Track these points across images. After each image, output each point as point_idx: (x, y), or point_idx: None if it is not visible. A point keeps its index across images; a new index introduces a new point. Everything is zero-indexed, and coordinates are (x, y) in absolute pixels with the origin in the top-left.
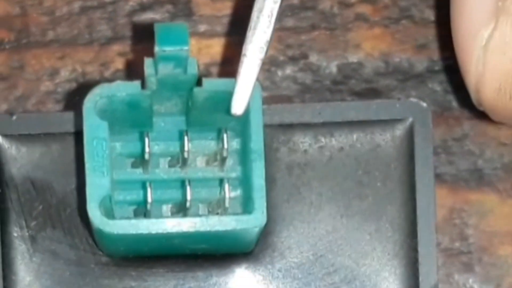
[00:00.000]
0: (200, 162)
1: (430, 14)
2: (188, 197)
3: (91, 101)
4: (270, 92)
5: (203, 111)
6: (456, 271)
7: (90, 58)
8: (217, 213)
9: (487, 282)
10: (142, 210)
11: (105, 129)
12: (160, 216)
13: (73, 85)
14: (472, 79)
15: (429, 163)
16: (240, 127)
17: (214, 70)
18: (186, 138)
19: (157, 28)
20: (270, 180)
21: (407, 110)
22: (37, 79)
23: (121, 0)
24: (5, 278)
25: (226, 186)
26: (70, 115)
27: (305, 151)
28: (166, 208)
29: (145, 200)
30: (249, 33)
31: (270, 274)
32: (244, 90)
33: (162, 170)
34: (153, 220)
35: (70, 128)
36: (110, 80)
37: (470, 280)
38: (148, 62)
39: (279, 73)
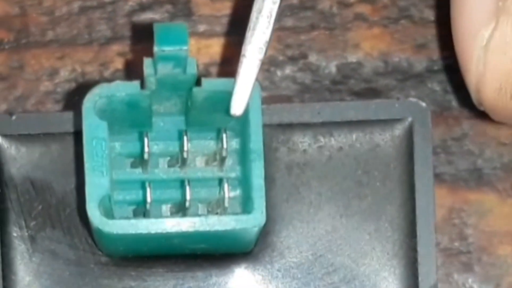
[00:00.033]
0: (200, 162)
1: (429, 14)
2: (188, 197)
3: (91, 101)
4: (270, 92)
5: (203, 111)
6: (456, 271)
7: (89, 58)
8: (217, 213)
9: (487, 282)
10: (141, 210)
11: (104, 129)
12: (159, 216)
13: (73, 85)
14: (473, 79)
15: (428, 163)
16: (239, 127)
17: (214, 70)
18: (185, 138)
19: (156, 28)
20: (269, 180)
21: (407, 110)
22: (37, 79)
23: (121, 0)
24: (4, 278)
25: (226, 186)
26: (69, 115)
27: (305, 151)
28: (166, 208)
29: (144, 200)
30: (248, 34)
31: (269, 274)
32: (243, 90)
33: (162, 170)
34: (152, 220)
35: (70, 128)
36: (109, 80)
37: (470, 280)
38: (147, 62)
39: (279, 73)
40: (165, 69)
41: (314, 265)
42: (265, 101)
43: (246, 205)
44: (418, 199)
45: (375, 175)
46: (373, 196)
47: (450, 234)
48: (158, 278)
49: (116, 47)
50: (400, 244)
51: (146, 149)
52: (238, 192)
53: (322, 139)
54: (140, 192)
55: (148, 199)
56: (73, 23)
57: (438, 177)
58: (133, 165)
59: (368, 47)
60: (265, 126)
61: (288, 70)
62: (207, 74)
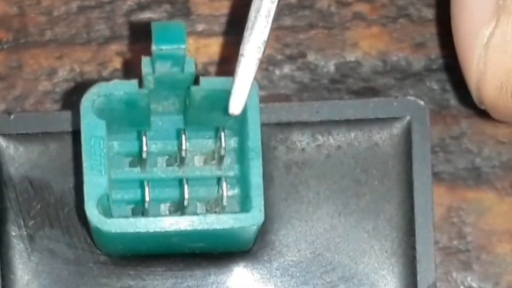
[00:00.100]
0: (198, 160)
1: (428, 13)
2: (186, 195)
3: (89, 100)
4: (268, 91)
5: (201, 109)
6: (454, 269)
7: (88, 58)
8: (215, 212)
9: (486, 280)
10: (140, 209)
11: (102, 128)
12: (158, 214)
13: (71, 84)
14: (473, 77)
15: (426, 162)
16: (237, 126)
17: (212, 69)
18: (183, 137)
19: (154, 26)
20: (267, 179)
21: (405, 109)
22: (35, 78)
23: None
24: (3, 277)
25: (224, 184)
26: (68, 114)
27: (303, 149)
28: (164, 207)
29: (143, 199)
30: (247, 33)
31: (268, 272)
32: (241, 90)
33: (160, 169)
34: (151, 219)
35: (68, 127)
36: (108, 79)
37: (468, 278)
38: (145, 61)
39: (277, 72)
40: (163, 68)
41: (312, 264)
42: (264, 100)
43: (244, 204)
44: (416, 197)
45: (373, 174)
46: (372, 195)
47: (449, 232)
48: (157, 277)
49: (114, 47)
50: (398, 243)
51: (144, 148)
52: (236, 190)
53: (320, 138)
54: (139, 191)
55: (147, 198)
56: (71, 22)
57: (437, 176)
58: (132, 164)
59: (366, 46)
60: (263, 125)
61: (286, 69)
62: (205, 74)
